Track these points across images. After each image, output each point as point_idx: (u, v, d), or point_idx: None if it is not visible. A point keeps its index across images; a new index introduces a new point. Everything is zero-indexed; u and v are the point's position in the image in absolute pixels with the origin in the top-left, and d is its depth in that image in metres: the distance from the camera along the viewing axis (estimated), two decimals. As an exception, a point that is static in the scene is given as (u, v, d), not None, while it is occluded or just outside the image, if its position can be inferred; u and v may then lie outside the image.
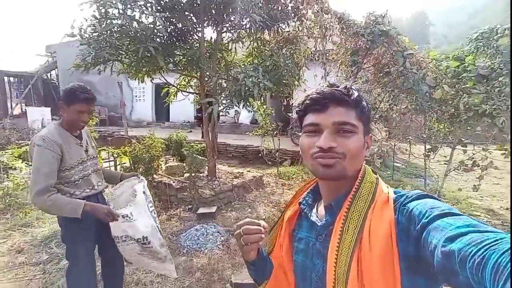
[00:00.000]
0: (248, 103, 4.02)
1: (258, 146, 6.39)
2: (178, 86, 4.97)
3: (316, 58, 5.31)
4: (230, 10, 4.05)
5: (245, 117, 10.56)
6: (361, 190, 0.64)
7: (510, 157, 3.28)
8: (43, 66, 16.41)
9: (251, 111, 6.56)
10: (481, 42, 4.30)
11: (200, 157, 4.06)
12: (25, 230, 3.40)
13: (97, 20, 3.21)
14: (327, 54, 5.07)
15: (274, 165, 6.11)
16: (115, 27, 3.27)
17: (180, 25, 3.99)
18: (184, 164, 5.01)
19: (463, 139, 4.35)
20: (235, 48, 4.82)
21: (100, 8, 3.23)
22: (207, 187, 4.21)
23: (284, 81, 4.32)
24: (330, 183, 0.70)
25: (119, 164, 4.77)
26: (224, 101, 3.83)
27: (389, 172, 6.53)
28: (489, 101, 3.79)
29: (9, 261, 2.81)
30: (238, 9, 3.94)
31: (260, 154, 6.43)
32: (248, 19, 3.97)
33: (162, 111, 14.41)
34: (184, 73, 4.41)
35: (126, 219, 1.78)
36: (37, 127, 8.81)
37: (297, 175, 5.38)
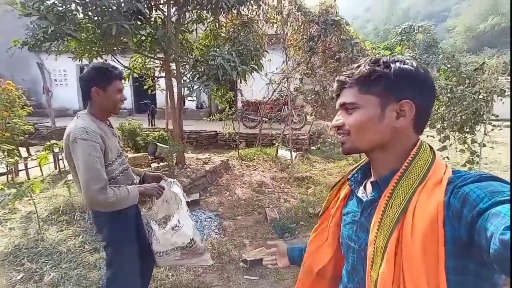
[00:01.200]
0: (222, 87, 3.99)
1: (212, 131, 6.33)
2: (132, 69, 4.49)
3: (271, 43, 5.53)
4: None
5: (190, 102, 10.11)
6: (411, 167, 0.62)
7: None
8: None
9: (206, 95, 6.41)
10: (404, 36, 5.28)
11: (175, 145, 3.86)
12: (-32, 249, 2.70)
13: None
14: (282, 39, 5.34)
15: (230, 149, 6.22)
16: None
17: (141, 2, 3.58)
18: (147, 154, 4.67)
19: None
20: (196, 29, 4.61)
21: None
22: (182, 175, 4.08)
23: (252, 65, 4.42)
24: (375, 159, 0.71)
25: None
26: (200, 85, 3.71)
27: (328, 147, 7.46)
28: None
29: (-32, 288, 2.24)
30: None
31: (215, 139, 6.41)
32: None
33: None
34: (148, 55, 4.01)
35: (176, 230, 1.73)
36: None
37: (258, 156, 5.64)
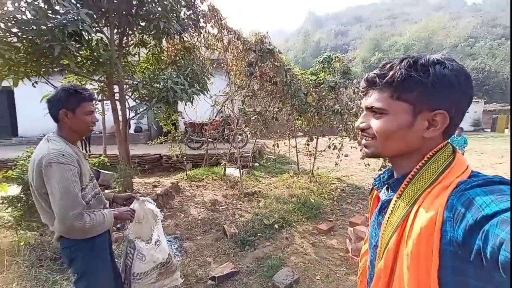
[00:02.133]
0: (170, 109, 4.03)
1: (156, 154, 6.09)
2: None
3: (213, 67, 5.82)
4: (137, 12, 3.89)
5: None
6: (423, 171, 0.61)
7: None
8: None
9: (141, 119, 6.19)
10: (325, 64, 6.23)
11: (125, 170, 3.65)
12: None
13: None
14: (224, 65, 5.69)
15: (177, 171, 6.11)
16: (9, 16, 2.55)
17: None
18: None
19: (323, 132, 6.21)
20: (139, 52, 4.59)
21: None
22: (131, 202, 3.86)
23: (198, 88, 4.58)
24: (392, 161, 0.71)
25: None
26: (149, 107, 3.69)
27: (269, 163, 7.96)
28: (338, 104, 5.66)
29: None
30: (148, 14, 3.88)
31: (159, 162, 6.19)
32: (155, 24, 3.89)
33: (2, 124, 10.76)
34: (90, 77, 3.79)
35: (158, 244, 1.80)
36: None
37: (207, 176, 5.68)
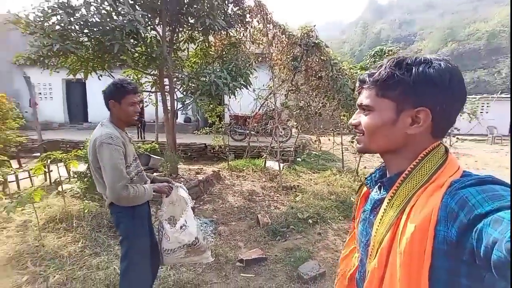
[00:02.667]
0: (214, 102, 4.28)
1: (202, 144, 6.54)
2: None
3: (258, 61, 5.95)
4: (187, 10, 4.19)
5: (179, 116, 10.50)
6: (417, 170, 0.62)
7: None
8: None
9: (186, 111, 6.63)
10: (377, 58, 5.88)
11: (171, 156, 4.04)
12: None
13: (63, 11, 2.88)
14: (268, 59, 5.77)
15: (220, 160, 6.43)
16: (83, 20, 3.02)
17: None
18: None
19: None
20: (188, 48, 4.95)
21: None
22: (176, 185, 4.24)
23: (241, 82, 4.76)
24: (387, 160, 0.73)
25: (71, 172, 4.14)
26: (194, 99, 3.99)
27: (312, 159, 7.84)
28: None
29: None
30: (197, 12, 4.14)
31: (204, 151, 6.61)
32: (201, 21, 4.11)
33: (76, 111, 12.74)
34: (144, 71, 4.26)
35: (183, 229, 1.95)
36: None
37: (247, 167, 5.89)
